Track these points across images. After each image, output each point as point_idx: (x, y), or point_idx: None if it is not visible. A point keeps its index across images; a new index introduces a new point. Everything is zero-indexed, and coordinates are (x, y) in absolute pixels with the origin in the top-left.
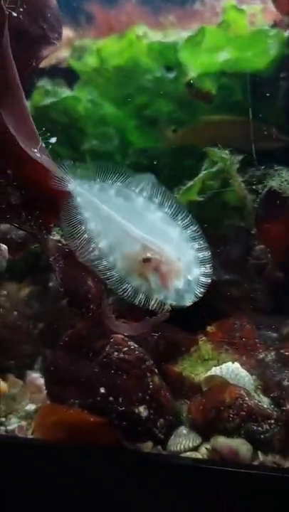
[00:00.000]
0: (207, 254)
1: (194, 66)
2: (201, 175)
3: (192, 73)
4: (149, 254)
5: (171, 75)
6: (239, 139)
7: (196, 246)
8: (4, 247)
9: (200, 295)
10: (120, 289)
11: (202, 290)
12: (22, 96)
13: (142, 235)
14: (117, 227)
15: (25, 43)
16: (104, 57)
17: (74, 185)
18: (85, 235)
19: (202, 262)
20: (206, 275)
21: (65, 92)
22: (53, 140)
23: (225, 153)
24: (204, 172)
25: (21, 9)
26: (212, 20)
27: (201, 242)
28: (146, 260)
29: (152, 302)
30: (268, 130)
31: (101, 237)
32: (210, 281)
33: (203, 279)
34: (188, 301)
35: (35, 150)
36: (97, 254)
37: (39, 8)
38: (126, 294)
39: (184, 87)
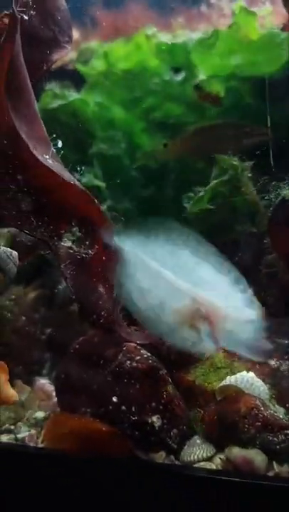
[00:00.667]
0: (252, 293)
1: (205, 69)
2: (212, 184)
3: (201, 75)
4: (198, 307)
5: (180, 78)
6: (227, 143)
7: (241, 287)
8: (15, 253)
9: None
10: (172, 341)
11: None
12: (33, 100)
13: (191, 288)
14: (164, 282)
15: (36, 46)
16: (112, 60)
17: (124, 242)
18: (136, 292)
19: (250, 301)
20: (254, 316)
21: (73, 95)
22: (59, 144)
23: (234, 160)
24: (215, 181)
25: (32, 12)
26: (219, 22)
27: (244, 281)
28: (197, 314)
29: (199, 348)
30: (254, 128)
31: (152, 293)
32: (260, 320)
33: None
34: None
35: (47, 156)
36: (147, 310)
37: (49, 11)
38: (177, 344)
39: (192, 89)
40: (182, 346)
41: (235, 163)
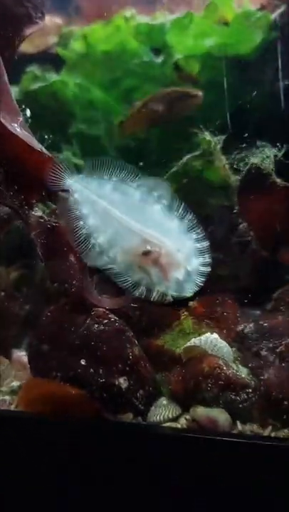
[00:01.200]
0: (205, 244)
1: (180, 49)
2: (184, 159)
3: (178, 55)
4: (148, 247)
5: (159, 59)
6: (165, 110)
7: (194, 236)
8: None
9: (201, 284)
10: (122, 283)
11: (202, 279)
12: (2, 72)
13: (141, 228)
14: (115, 222)
15: (8, 21)
16: (92, 42)
17: (72, 182)
18: (84, 231)
19: (201, 252)
20: (205, 265)
21: (53, 77)
22: (28, 113)
23: (206, 135)
24: (187, 157)
25: None
26: (200, 6)
27: (199, 231)
28: (146, 253)
29: (154, 294)
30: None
31: (100, 232)
32: (210, 270)
33: (202, 269)
34: (189, 292)
35: (16, 125)
36: (97, 250)
37: None
38: (127, 287)
39: (171, 70)
40: (133, 291)
41: (207, 137)
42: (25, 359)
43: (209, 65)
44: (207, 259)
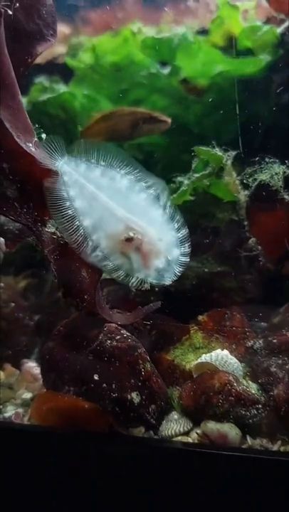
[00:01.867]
0: (185, 233)
1: (189, 72)
2: (193, 179)
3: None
4: (131, 234)
5: (166, 71)
6: (128, 129)
7: (176, 225)
8: (2, 240)
9: (179, 274)
10: (103, 267)
11: (181, 269)
12: (17, 91)
13: (126, 214)
14: (101, 207)
15: (21, 39)
16: (100, 53)
17: (61, 163)
18: (69, 212)
19: (181, 241)
20: (185, 255)
21: (62, 88)
22: (43, 135)
23: (216, 152)
24: (197, 176)
25: (17, 5)
26: (206, 17)
27: (179, 219)
28: (129, 240)
29: (133, 280)
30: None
31: (85, 215)
32: (188, 260)
33: (182, 259)
34: (168, 280)
35: (30, 144)
36: (82, 233)
37: (34, 5)
38: (108, 271)
39: (178, 82)
40: (114, 274)
41: (217, 154)
42: (36, 370)
43: (217, 84)
44: (187, 248)
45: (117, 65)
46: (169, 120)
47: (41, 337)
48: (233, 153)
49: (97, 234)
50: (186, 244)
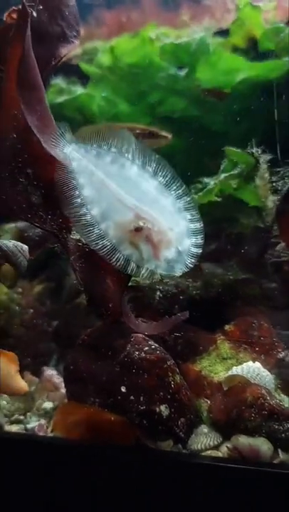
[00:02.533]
0: (199, 225)
1: (209, 82)
2: (221, 178)
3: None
4: (141, 223)
5: (184, 72)
6: None
7: (189, 216)
8: (25, 247)
9: (191, 266)
10: (111, 257)
11: (193, 261)
12: (44, 95)
13: (135, 203)
14: (110, 195)
15: (44, 41)
16: (118, 55)
17: (70, 150)
18: (78, 200)
19: (194, 232)
20: (197, 246)
21: (79, 90)
22: None
23: (247, 153)
24: (225, 175)
25: (40, 7)
26: (224, 17)
27: (194, 212)
28: (138, 229)
29: (143, 271)
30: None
31: (94, 204)
32: (200, 251)
33: (194, 250)
34: (178, 272)
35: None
36: (90, 221)
37: (57, 6)
38: (117, 263)
39: (196, 84)
40: (123, 265)
41: (247, 156)
42: (57, 379)
43: (240, 91)
44: (199, 240)
45: (135, 66)
46: (170, 136)
47: (59, 344)
48: (268, 156)
49: (105, 223)
50: (199, 235)
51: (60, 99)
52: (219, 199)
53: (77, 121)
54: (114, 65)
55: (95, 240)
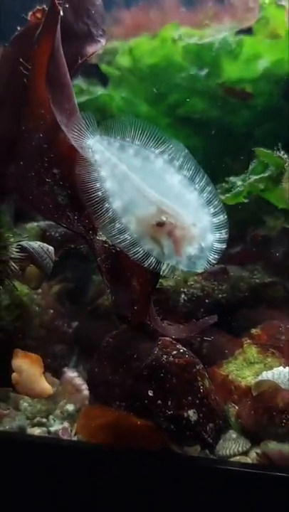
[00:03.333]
0: (223, 218)
1: (232, 75)
2: (252, 180)
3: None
4: (164, 218)
5: (204, 72)
6: None
7: (212, 210)
8: (51, 248)
9: (214, 262)
10: (132, 252)
11: (216, 257)
12: (72, 94)
13: (158, 197)
14: (133, 188)
15: (70, 40)
16: (138, 56)
17: (93, 142)
18: (99, 193)
19: (217, 227)
20: (220, 241)
21: (100, 91)
22: None
23: (280, 155)
24: (256, 177)
25: (66, 5)
26: (245, 16)
27: (217, 204)
28: (161, 224)
29: (164, 267)
30: None
31: (116, 197)
32: (224, 247)
33: (217, 245)
34: (200, 268)
35: None
36: (111, 215)
37: (83, 5)
38: (137, 257)
39: (216, 85)
40: (143, 260)
41: (279, 157)
42: (78, 381)
43: (262, 89)
44: (223, 235)
45: (155, 67)
46: None
47: (79, 345)
48: None
49: (127, 217)
50: (223, 231)
51: (81, 99)
52: (246, 200)
53: (97, 121)
54: (134, 66)
55: (116, 234)
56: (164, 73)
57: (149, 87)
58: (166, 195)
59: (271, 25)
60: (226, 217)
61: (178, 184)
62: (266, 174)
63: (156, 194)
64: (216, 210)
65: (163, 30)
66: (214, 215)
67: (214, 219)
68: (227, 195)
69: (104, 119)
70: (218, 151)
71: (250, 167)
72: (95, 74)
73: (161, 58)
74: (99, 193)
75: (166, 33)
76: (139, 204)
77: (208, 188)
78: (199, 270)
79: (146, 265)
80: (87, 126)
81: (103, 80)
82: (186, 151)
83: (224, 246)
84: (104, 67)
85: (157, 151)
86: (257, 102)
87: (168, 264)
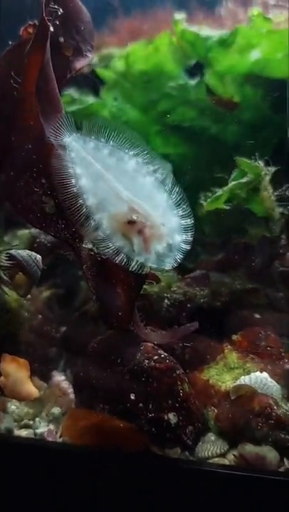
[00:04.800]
0: (190, 221)
1: (222, 65)
2: (230, 185)
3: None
4: (134, 217)
5: (194, 82)
6: None
7: (180, 212)
8: (39, 257)
9: (179, 261)
10: (103, 248)
11: (182, 256)
12: (62, 107)
13: (130, 197)
14: (106, 187)
15: (60, 55)
16: (131, 61)
17: (70, 140)
18: (74, 190)
19: (185, 229)
20: (186, 242)
21: (91, 100)
22: None
23: (257, 164)
24: (234, 183)
25: (57, 22)
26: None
27: (185, 207)
28: (132, 222)
29: (133, 264)
30: None
31: (90, 194)
32: (189, 248)
33: (183, 246)
34: (168, 266)
35: None
36: (84, 212)
37: (73, 21)
38: (108, 252)
39: (204, 93)
40: (113, 256)
41: (256, 167)
42: (65, 384)
43: (247, 92)
44: (189, 237)
45: (146, 74)
46: None
47: (67, 350)
48: (273, 168)
49: (100, 214)
50: (190, 232)
51: (72, 108)
52: (228, 207)
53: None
54: (127, 71)
55: (90, 230)
56: (155, 80)
57: (141, 93)
58: (138, 195)
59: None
60: (192, 220)
61: (149, 185)
62: (243, 181)
63: (128, 193)
64: (184, 213)
65: (157, 38)
66: (182, 217)
67: (182, 221)
68: (208, 200)
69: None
70: (207, 160)
71: (232, 176)
72: (87, 83)
73: (153, 66)
74: (74, 189)
75: (160, 41)
76: (112, 202)
77: (176, 190)
78: (167, 267)
79: (117, 261)
80: (65, 125)
81: (95, 89)
82: (160, 157)
83: (189, 247)
84: (99, 70)
85: (131, 153)
86: (244, 114)
87: (137, 261)
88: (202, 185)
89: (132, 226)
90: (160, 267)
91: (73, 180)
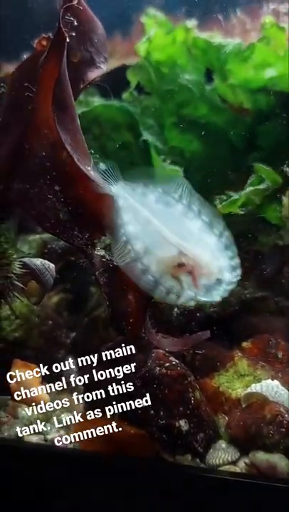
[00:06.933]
0: (238, 261)
1: (236, 78)
2: (247, 190)
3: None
4: (184, 260)
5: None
6: None
7: (230, 254)
8: (52, 265)
9: (226, 295)
10: (154, 291)
11: (231, 288)
12: (76, 114)
13: (179, 240)
14: (154, 232)
15: (74, 65)
16: (151, 48)
17: (117, 188)
18: (124, 238)
19: (233, 268)
20: (236, 278)
21: (96, 101)
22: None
23: (277, 173)
24: (251, 188)
25: (73, 34)
26: (242, 37)
27: (234, 249)
28: (181, 265)
29: (182, 299)
30: None
31: (138, 239)
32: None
33: (233, 283)
34: (216, 298)
35: (89, 168)
36: (133, 256)
37: (87, 33)
38: (160, 295)
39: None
40: (164, 297)
41: (274, 173)
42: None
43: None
44: (238, 274)
45: (162, 64)
46: None
47: (77, 355)
48: None
49: (148, 258)
50: (238, 272)
51: (78, 111)
52: (242, 212)
53: (94, 133)
54: (147, 57)
55: (138, 274)
56: (169, 72)
57: (160, 81)
58: (187, 238)
59: (272, 45)
60: (239, 260)
61: (197, 228)
62: (261, 187)
63: (176, 237)
64: (233, 253)
65: (177, 30)
66: (231, 258)
67: (231, 262)
68: (223, 203)
69: (100, 129)
70: (219, 160)
71: (249, 181)
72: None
73: (167, 57)
74: (123, 237)
75: (178, 34)
76: (160, 246)
77: (226, 233)
78: (216, 300)
79: (168, 301)
80: (110, 174)
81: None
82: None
83: (235, 285)
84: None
85: (176, 196)
86: (256, 120)
87: (186, 296)
88: (213, 186)
89: (181, 268)
90: (209, 299)
91: (122, 229)
